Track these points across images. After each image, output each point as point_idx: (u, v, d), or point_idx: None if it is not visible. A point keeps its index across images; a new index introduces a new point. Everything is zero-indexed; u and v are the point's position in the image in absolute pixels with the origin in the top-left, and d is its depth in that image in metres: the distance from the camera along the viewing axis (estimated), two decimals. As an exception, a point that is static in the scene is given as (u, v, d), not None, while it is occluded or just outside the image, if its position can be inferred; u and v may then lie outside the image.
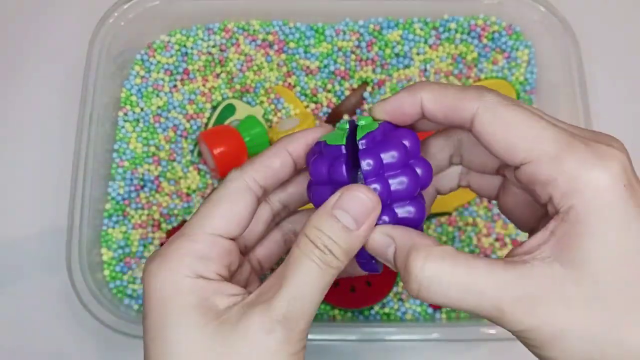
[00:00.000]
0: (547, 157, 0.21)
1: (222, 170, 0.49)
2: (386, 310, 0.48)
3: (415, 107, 0.25)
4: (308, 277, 0.24)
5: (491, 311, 0.22)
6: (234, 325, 0.24)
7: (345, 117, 0.52)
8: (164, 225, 0.49)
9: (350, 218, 0.24)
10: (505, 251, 0.49)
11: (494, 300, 0.21)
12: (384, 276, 0.48)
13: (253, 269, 0.32)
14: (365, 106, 0.52)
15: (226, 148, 0.48)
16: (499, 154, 0.23)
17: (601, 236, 0.21)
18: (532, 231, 0.28)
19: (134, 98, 0.52)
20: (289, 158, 0.28)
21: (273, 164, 0.28)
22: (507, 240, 0.50)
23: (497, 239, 0.50)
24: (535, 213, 0.27)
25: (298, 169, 0.29)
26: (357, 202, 0.24)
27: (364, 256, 0.27)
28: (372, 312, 0.48)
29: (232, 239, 0.27)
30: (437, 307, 0.48)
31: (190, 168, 0.51)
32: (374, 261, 0.27)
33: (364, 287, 0.47)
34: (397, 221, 0.26)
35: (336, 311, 0.48)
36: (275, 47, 0.54)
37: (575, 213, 0.21)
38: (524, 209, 0.27)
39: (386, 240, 0.24)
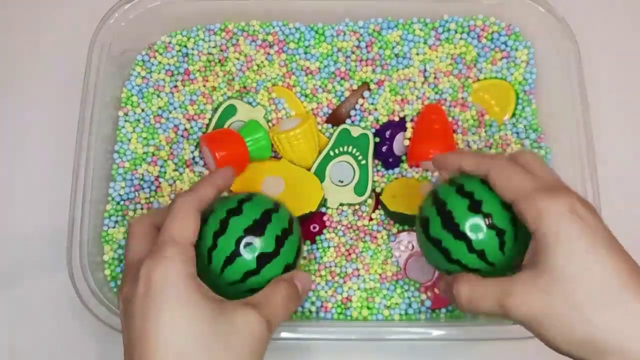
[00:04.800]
0: (523, 199, 0.34)
1: (222, 171, 0.49)
2: (386, 309, 0.48)
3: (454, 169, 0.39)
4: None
5: (499, 311, 0.33)
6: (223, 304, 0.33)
7: (348, 121, 0.52)
8: (164, 225, 0.49)
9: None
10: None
11: (498, 302, 0.33)
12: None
13: None
14: (366, 106, 0.52)
15: (228, 151, 0.48)
16: (500, 195, 0.36)
17: (555, 249, 0.32)
18: None
19: (134, 98, 0.52)
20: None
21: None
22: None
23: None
24: None
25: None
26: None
27: None
28: (372, 311, 0.48)
29: None
30: (436, 307, 0.48)
31: (190, 169, 0.51)
32: None
33: (364, 287, 0.47)
34: None
35: (336, 310, 0.48)
36: (276, 47, 0.54)
37: (538, 234, 0.33)
38: None
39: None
